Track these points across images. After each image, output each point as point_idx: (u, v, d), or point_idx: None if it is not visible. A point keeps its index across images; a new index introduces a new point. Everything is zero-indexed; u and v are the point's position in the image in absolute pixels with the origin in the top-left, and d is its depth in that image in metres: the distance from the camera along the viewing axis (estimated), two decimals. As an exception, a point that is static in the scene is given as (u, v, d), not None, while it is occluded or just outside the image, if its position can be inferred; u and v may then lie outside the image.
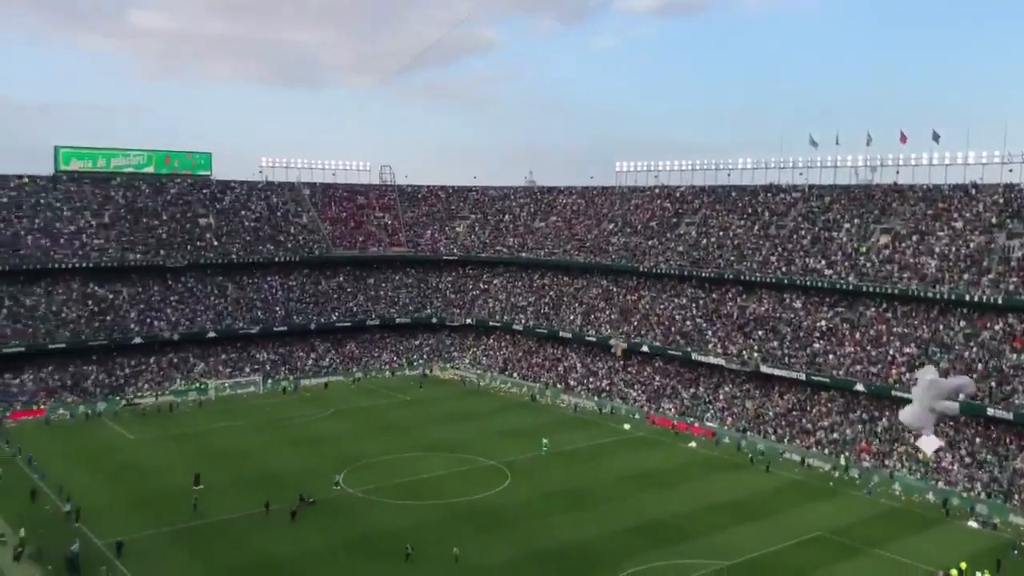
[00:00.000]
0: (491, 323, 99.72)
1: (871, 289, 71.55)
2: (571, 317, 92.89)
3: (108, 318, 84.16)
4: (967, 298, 65.05)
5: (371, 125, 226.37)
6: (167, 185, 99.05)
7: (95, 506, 49.55)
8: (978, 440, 58.92)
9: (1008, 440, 58.00)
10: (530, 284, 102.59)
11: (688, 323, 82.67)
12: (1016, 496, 53.39)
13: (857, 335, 70.07)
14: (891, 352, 66.57)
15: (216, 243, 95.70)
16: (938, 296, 67.06)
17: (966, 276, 66.65)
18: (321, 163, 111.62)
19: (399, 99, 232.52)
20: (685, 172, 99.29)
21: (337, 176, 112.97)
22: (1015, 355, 60.51)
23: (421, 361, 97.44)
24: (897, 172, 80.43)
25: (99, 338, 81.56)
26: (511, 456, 62.01)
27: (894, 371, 64.66)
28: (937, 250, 70.60)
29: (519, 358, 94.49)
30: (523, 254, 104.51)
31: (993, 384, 58.75)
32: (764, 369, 72.40)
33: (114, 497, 52.09)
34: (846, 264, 74.94)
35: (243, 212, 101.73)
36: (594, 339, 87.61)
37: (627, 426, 72.47)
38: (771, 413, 70.70)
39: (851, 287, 72.93)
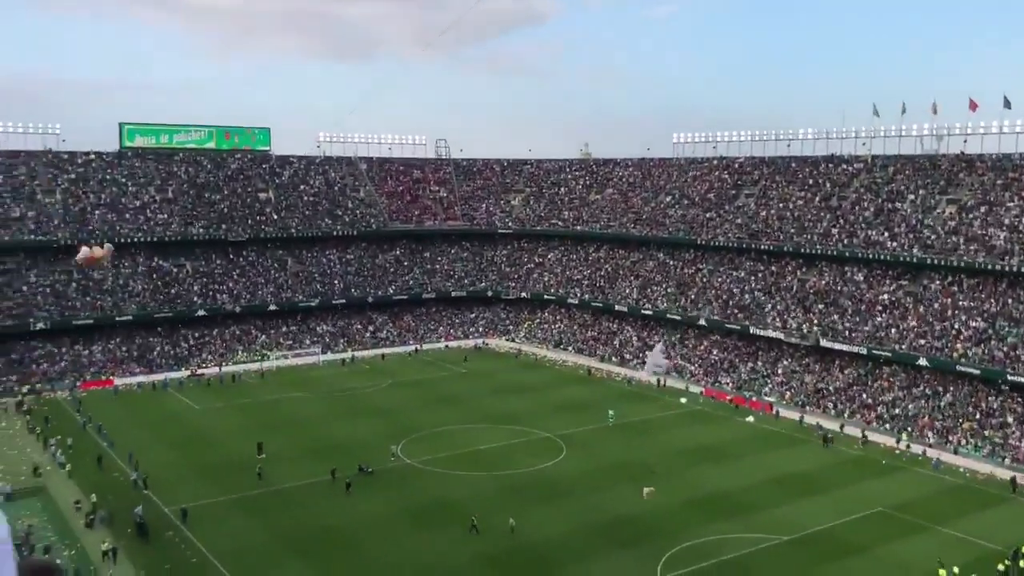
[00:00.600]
0: (546, 296, 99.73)
1: (936, 262, 69.72)
2: (627, 291, 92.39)
3: (172, 291, 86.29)
4: (1038, 271, 63.01)
5: (427, 99, 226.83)
6: (228, 160, 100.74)
7: (162, 473, 51.12)
8: (1048, 417, 57.29)
9: (1080, 417, 56.27)
10: (585, 257, 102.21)
11: (746, 296, 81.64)
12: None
13: (921, 309, 68.46)
14: (956, 326, 64.91)
15: (276, 217, 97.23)
16: (1007, 269, 65.07)
17: (1037, 248, 64.52)
18: (377, 137, 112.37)
19: (455, 72, 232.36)
20: (744, 143, 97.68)
21: (393, 150, 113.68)
22: (1089, 330, 58.51)
23: (477, 333, 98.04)
24: (965, 141, 77.92)
25: (164, 311, 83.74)
26: (566, 429, 62.17)
27: (959, 345, 63.10)
28: (1007, 221, 68.40)
29: (574, 331, 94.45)
30: (578, 227, 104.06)
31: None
32: (824, 343, 71.23)
33: (180, 465, 53.63)
34: (910, 236, 73.09)
35: (302, 187, 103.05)
36: (650, 312, 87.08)
37: (683, 400, 72.06)
38: (831, 388, 69.64)
39: (915, 259, 71.16)
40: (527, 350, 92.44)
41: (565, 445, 58.43)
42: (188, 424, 63.73)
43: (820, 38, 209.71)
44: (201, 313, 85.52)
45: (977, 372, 61.17)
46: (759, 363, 76.64)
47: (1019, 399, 57.97)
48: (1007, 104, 73.89)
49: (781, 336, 74.77)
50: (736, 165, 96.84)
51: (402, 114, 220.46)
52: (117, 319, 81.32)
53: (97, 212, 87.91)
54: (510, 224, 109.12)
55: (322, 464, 52.53)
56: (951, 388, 62.57)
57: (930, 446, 58.55)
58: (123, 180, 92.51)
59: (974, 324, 64.18)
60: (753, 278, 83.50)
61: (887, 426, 63.00)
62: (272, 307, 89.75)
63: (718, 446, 59.14)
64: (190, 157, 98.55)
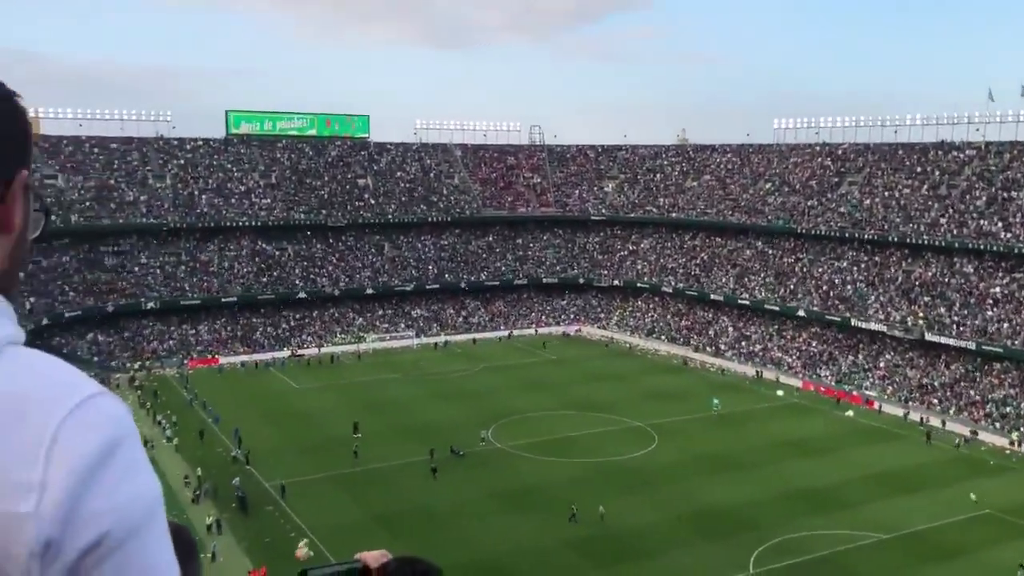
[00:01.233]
0: (639, 285, 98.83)
1: (1055, 253, 66.15)
2: (723, 279, 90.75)
3: (275, 274, 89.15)
4: None
5: (521, 84, 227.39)
6: (328, 147, 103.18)
7: (262, 449, 52.96)
8: None
9: None
10: (680, 245, 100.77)
11: (848, 287, 79.15)
12: None
13: (1037, 303, 65.09)
14: (1076, 322, 61.50)
15: (373, 203, 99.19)
16: None
17: None
18: (472, 124, 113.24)
19: (550, 57, 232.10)
20: (848, 128, 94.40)
21: (488, 137, 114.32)
22: None
23: (568, 320, 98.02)
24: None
25: (267, 293, 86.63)
26: (658, 418, 61.61)
27: (1079, 342, 59.76)
28: None
29: (667, 320, 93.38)
30: (674, 214, 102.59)
31: None
32: (929, 337, 68.52)
33: (280, 442, 55.46)
34: (1027, 226, 69.49)
35: (399, 173, 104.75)
36: (747, 302, 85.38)
37: (780, 392, 70.46)
38: (936, 383, 66.97)
39: (1032, 251, 67.66)
40: (619, 338, 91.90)
41: (656, 434, 57.94)
42: (288, 402, 65.80)
43: (929, 19, 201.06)
44: (302, 295, 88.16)
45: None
46: (860, 356, 74.26)
47: None
48: None
49: (884, 329, 72.25)
50: (839, 152, 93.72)
51: (497, 100, 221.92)
52: (223, 300, 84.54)
53: (204, 197, 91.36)
54: (603, 211, 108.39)
55: (415, 445, 53.51)
56: (1068, 387, 59.40)
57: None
58: (229, 166, 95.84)
59: (1095, 320, 60.70)
60: (855, 268, 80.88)
61: (996, 425, 60.25)
62: (369, 291, 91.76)
63: (815, 440, 57.64)
64: (292, 144, 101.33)
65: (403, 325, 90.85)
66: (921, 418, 62.20)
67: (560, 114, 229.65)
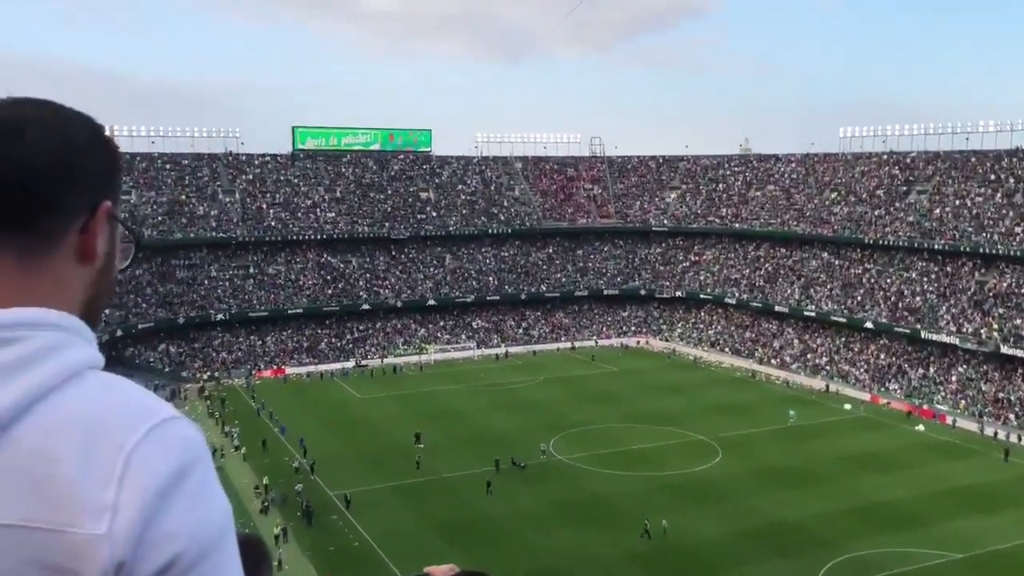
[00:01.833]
0: (702, 296, 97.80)
1: None
2: (788, 291, 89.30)
3: (340, 286, 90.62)
4: None
5: (581, 96, 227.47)
6: (391, 161, 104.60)
7: (327, 459, 53.71)
8: None
9: None
10: (744, 256, 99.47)
11: (918, 299, 77.18)
12: None
13: (1121, 314, 62.61)
14: None
15: (435, 215, 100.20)
16: None
17: None
18: (532, 136, 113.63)
19: (610, 68, 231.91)
20: (917, 137, 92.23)
21: (548, 149, 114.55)
22: None
23: (630, 332, 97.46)
24: None
25: (331, 304, 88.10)
26: (722, 432, 60.76)
27: None
28: None
29: (731, 332, 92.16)
30: (737, 225, 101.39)
31: None
32: (1005, 350, 66.37)
33: (344, 451, 56.20)
34: (1109, 235, 66.98)
35: (460, 186, 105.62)
36: (813, 314, 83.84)
37: (847, 406, 68.89)
38: (1012, 397, 64.80)
39: (1114, 261, 65.17)
40: (681, 350, 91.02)
41: (720, 448, 57.18)
42: (352, 413, 66.66)
43: (1000, 24, 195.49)
44: (365, 307, 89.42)
45: None
46: (931, 369, 72.29)
47: None
48: None
49: (956, 341, 70.23)
50: (908, 160, 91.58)
51: (557, 112, 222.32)
52: (289, 312, 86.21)
53: (272, 211, 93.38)
54: (665, 221, 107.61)
55: (476, 456, 53.71)
56: None
57: None
58: (295, 180, 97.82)
59: None
60: (925, 279, 78.84)
61: (1078, 441, 58.01)
62: (431, 302, 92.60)
63: (885, 454, 56.19)
64: (356, 158, 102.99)
65: (464, 336, 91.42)
66: (995, 433, 60.18)
67: (620, 125, 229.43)
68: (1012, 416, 62.98)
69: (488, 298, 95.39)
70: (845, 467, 53.36)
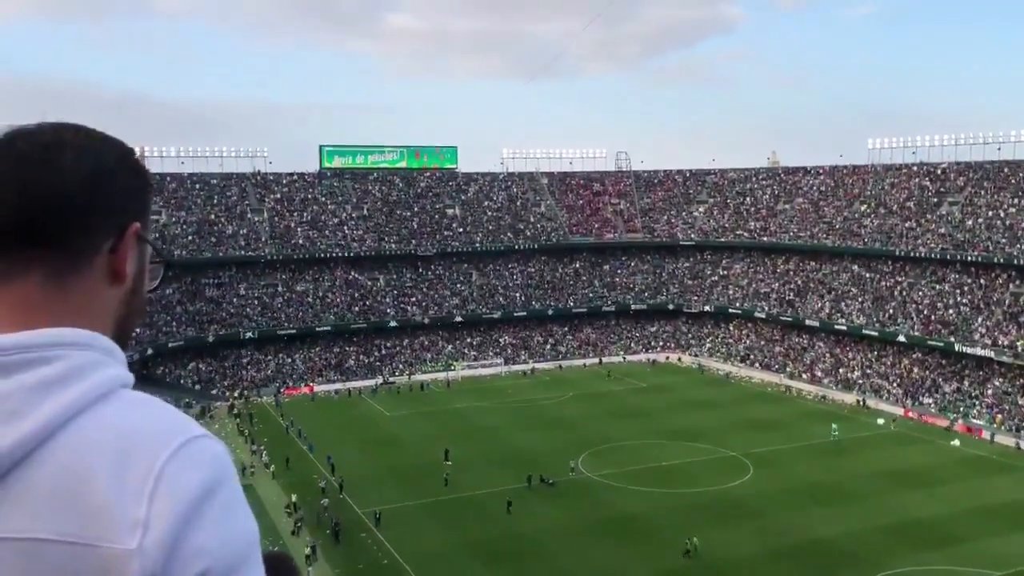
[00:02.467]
0: (731, 310, 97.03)
1: None
2: (818, 304, 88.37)
3: (367, 303, 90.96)
4: None
5: (607, 111, 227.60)
6: (417, 179, 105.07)
7: (355, 477, 53.67)
8: None
9: None
10: (773, 269, 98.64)
11: (951, 311, 76.06)
12: None
13: None
14: None
15: (462, 232, 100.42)
16: None
17: None
18: (559, 152, 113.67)
19: (636, 83, 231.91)
20: (947, 147, 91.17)
21: (574, 164, 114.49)
22: None
23: (658, 347, 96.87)
24: None
25: (359, 322, 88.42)
26: (753, 448, 60.06)
27: None
28: None
29: (761, 347, 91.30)
30: (765, 238, 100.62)
31: None
32: (1043, 363, 65.12)
33: (373, 469, 56.16)
34: None
35: (486, 202, 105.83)
36: (844, 328, 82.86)
37: (880, 420, 67.86)
38: (1051, 412, 63.54)
39: None
40: (711, 365, 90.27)
41: (752, 464, 56.49)
42: (380, 430, 66.67)
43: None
44: (392, 324, 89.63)
45: None
46: (965, 383, 71.11)
47: None
48: None
49: (991, 354, 69.05)
50: (939, 171, 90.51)
51: (582, 128, 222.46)
52: (317, 329, 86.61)
53: (300, 230, 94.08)
54: (692, 236, 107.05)
55: (505, 473, 53.47)
56: None
57: None
58: (323, 199, 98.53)
59: None
60: (958, 291, 77.71)
61: (1120, 456, 56.72)
62: (458, 319, 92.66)
63: (920, 470, 55.23)
64: (383, 176, 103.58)
65: (491, 353, 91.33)
66: (1035, 448, 58.97)
67: (646, 140, 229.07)
68: (1051, 430, 61.73)
69: (515, 314, 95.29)
70: (879, 483, 52.49)
